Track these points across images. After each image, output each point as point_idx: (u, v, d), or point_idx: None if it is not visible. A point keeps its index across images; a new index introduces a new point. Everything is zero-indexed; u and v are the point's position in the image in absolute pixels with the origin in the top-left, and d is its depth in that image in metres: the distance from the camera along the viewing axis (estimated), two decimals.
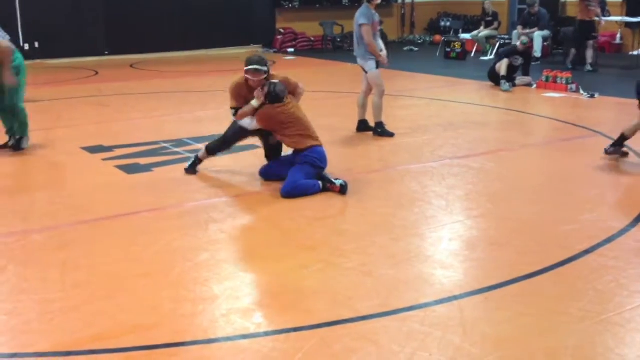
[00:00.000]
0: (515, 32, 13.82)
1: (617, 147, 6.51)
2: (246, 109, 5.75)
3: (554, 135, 7.95)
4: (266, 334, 3.35)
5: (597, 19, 12.46)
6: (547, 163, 6.69)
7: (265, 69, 5.67)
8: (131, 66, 14.44)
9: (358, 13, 7.40)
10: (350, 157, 6.89)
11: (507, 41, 14.32)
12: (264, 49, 16.94)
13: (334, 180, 5.58)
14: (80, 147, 7.23)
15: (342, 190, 5.50)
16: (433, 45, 17.29)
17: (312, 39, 17.43)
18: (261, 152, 6.45)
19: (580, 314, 3.49)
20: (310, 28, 17.36)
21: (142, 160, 6.66)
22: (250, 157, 6.65)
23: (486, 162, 6.53)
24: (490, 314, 3.53)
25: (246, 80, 5.74)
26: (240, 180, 6.05)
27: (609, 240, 4.50)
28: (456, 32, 17.25)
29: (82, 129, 8.18)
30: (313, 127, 5.81)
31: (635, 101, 6.42)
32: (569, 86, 10.35)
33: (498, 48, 14.16)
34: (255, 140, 6.79)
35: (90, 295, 3.78)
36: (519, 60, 10.80)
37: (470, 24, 17.44)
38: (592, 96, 9.90)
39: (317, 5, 17.65)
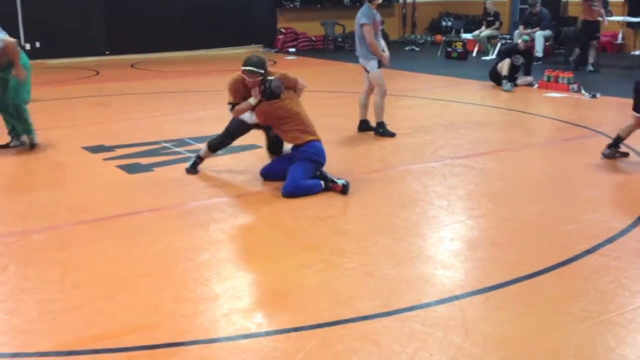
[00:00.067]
0: (516, 32, 13.81)
1: (614, 149, 6.50)
2: (243, 105, 5.78)
3: (556, 135, 7.94)
4: (267, 333, 3.35)
5: (600, 19, 12.44)
6: (548, 163, 6.69)
7: (261, 71, 5.62)
8: (132, 66, 14.45)
9: (359, 13, 7.40)
10: (351, 157, 6.88)
11: (508, 41, 14.32)
12: (265, 48, 16.95)
13: (336, 180, 5.58)
14: (81, 146, 7.23)
15: (344, 189, 5.50)
16: (434, 45, 17.29)
17: (313, 38, 17.43)
18: (262, 152, 6.46)
19: (581, 314, 3.49)
20: (312, 28, 17.36)
21: (143, 160, 6.67)
22: (251, 157, 6.65)
23: (487, 162, 6.53)
24: (491, 314, 3.53)
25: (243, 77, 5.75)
26: (241, 180, 6.05)
27: (610, 240, 4.50)
28: (457, 32, 17.25)
29: (83, 129, 8.18)
30: (311, 123, 5.79)
31: (632, 101, 6.42)
32: (571, 86, 10.34)
33: (499, 48, 14.15)
34: (255, 140, 6.80)
35: (91, 295, 3.78)
36: (520, 60, 10.79)
37: (472, 24, 17.44)
38: (594, 96, 9.89)
39: (318, 5, 17.65)
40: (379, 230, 4.75)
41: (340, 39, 17.18)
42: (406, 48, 17.09)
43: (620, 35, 15.27)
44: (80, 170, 6.44)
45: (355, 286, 3.85)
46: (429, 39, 18.45)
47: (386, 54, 7.52)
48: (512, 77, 10.74)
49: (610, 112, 9.14)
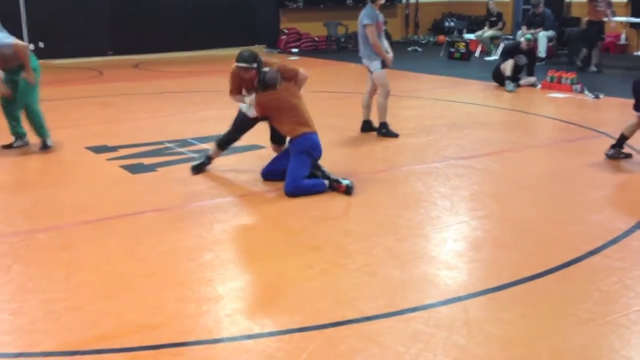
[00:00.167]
0: (519, 32, 13.81)
1: (617, 149, 6.49)
2: (238, 98, 5.95)
3: (559, 135, 7.93)
4: (270, 334, 3.35)
5: (606, 19, 12.43)
6: (551, 164, 6.68)
7: (253, 65, 5.68)
8: (135, 66, 14.46)
9: (362, 14, 7.39)
10: (354, 157, 6.88)
11: (511, 41, 14.30)
12: (268, 49, 16.95)
13: (340, 180, 5.57)
14: (84, 146, 7.24)
15: (348, 190, 5.50)
16: (437, 46, 17.27)
17: (316, 39, 17.43)
18: (264, 152, 6.47)
19: (585, 315, 3.49)
20: (314, 28, 17.36)
21: (146, 160, 6.67)
22: (254, 158, 6.65)
23: (491, 163, 6.52)
24: (495, 315, 3.53)
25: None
26: (244, 180, 6.05)
27: (614, 241, 4.49)
28: (460, 33, 17.24)
29: (87, 129, 8.19)
30: (309, 115, 5.78)
31: (633, 101, 6.41)
32: (574, 87, 10.33)
33: (502, 47, 14.14)
34: (258, 141, 6.81)
35: (95, 294, 3.78)
36: (523, 60, 10.78)
37: (475, 24, 17.43)
38: (597, 97, 9.88)
39: (321, 6, 17.65)
40: (382, 230, 4.75)
41: (343, 40, 17.18)
42: (409, 49, 17.08)
43: (623, 36, 15.26)
44: (84, 171, 6.44)
45: (359, 287, 3.85)
46: (431, 39, 18.44)
47: (389, 54, 7.52)
48: (515, 78, 10.73)
49: (613, 112, 9.13)
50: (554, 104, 9.69)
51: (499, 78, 10.93)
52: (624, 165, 6.40)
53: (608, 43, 14.65)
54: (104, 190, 5.78)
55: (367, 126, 7.83)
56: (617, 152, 6.49)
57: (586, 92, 10.11)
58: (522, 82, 10.85)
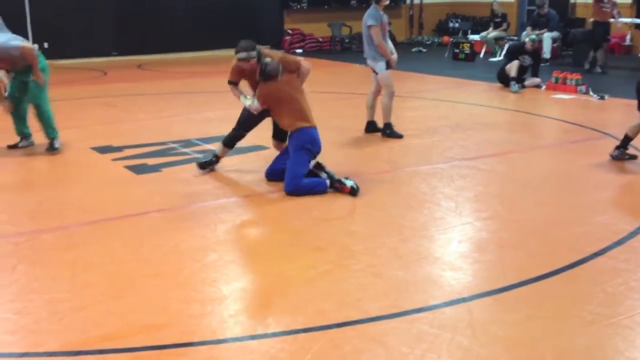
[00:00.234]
0: (524, 33, 13.79)
1: (622, 150, 6.48)
2: (236, 92, 6.00)
3: (564, 136, 7.91)
4: (274, 334, 3.34)
5: (612, 20, 12.39)
6: (556, 165, 6.66)
7: (253, 54, 5.70)
8: (139, 67, 14.48)
9: (366, 14, 7.39)
10: (358, 158, 6.88)
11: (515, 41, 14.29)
12: (272, 50, 16.95)
13: (344, 181, 5.56)
14: (89, 147, 7.25)
15: (352, 192, 5.49)
16: (441, 47, 17.26)
17: (320, 39, 17.44)
18: (268, 153, 6.47)
19: (590, 316, 3.48)
20: (319, 29, 17.37)
21: (151, 161, 6.68)
22: (258, 158, 6.65)
23: (495, 164, 6.51)
24: (499, 316, 3.52)
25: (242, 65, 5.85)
26: (248, 180, 6.05)
27: (619, 242, 4.48)
28: (465, 33, 17.23)
29: (92, 129, 8.21)
30: (309, 110, 5.77)
31: (636, 101, 6.40)
32: (579, 88, 10.31)
33: (507, 48, 14.12)
34: (261, 141, 6.81)
35: (99, 295, 3.79)
36: (527, 60, 10.76)
37: (479, 25, 17.41)
38: (602, 98, 9.85)
39: (325, 6, 17.66)
40: (386, 231, 4.75)
41: (347, 40, 17.19)
42: (413, 49, 17.07)
43: (628, 37, 15.22)
44: (89, 171, 6.45)
45: (363, 287, 3.84)
46: (436, 40, 18.43)
47: (394, 55, 7.51)
48: (520, 79, 10.71)
49: (618, 113, 9.11)
50: (559, 105, 9.67)
51: (503, 79, 10.91)
52: (628, 167, 6.38)
53: (613, 44, 14.62)
54: (108, 191, 5.79)
55: (371, 127, 7.83)
56: (622, 153, 6.48)
57: (591, 93, 10.09)
58: (526, 83, 10.82)
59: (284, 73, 5.70)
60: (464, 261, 4.25)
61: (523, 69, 10.79)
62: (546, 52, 13.42)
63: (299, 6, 17.44)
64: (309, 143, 5.60)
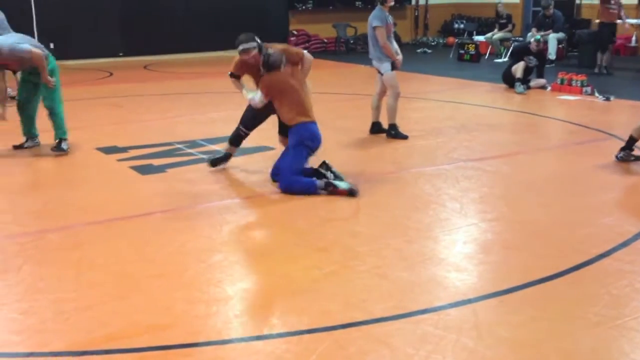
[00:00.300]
0: (529, 34, 13.77)
1: (627, 152, 6.46)
2: (237, 86, 6.05)
3: (569, 138, 7.90)
4: (279, 335, 3.35)
5: (620, 21, 12.36)
6: (561, 166, 6.65)
7: (254, 44, 5.72)
8: (145, 67, 14.51)
9: (371, 16, 7.39)
10: (363, 159, 6.88)
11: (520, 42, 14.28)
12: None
13: (338, 184, 5.52)
14: (95, 147, 7.27)
15: (351, 193, 5.47)
16: (446, 47, 17.25)
17: (326, 40, 17.45)
18: (273, 153, 6.47)
19: (595, 318, 3.47)
20: (324, 30, 17.38)
21: (156, 161, 6.69)
22: (263, 159, 6.65)
23: (500, 165, 6.50)
24: (504, 318, 3.51)
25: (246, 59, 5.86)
26: (253, 181, 6.06)
27: (624, 244, 4.47)
28: (470, 34, 17.21)
29: (97, 130, 8.22)
30: (310, 104, 5.77)
31: None
32: (584, 89, 10.29)
33: (512, 49, 14.11)
34: (267, 142, 6.81)
35: (104, 295, 3.79)
36: (533, 61, 10.74)
37: (484, 26, 17.40)
38: (608, 99, 9.83)
39: (331, 7, 17.67)
40: (391, 232, 4.75)
41: (352, 41, 17.19)
42: (418, 50, 17.07)
43: (634, 38, 15.19)
44: (94, 171, 6.47)
45: (368, 288, 3.84)
46: (441, 41, 18.42)
47: (399, 56, 7.51)
48: (525, 80, 10.69)
49: (624, 115, 9.09)
50: (564, 106, 9.66)
51: (509, 80, 10.90)
52: (634, 168, 6.37)
53: (619, 45, 14.59)
54: (114, 191, 5.80)
55: (376, 128, 7.83)
56: (627, 154, 6.46)
57: (596, 95, 10.07)
58: (532, 84, 10.81)
59: (287, 64, 5.72)
60: (469, 262, 4.24)
61: (528, 70, 10.77)
62: (551, 53, 13.40)
63: (304, 7, 17.46)
64: (308, 139, 5.62)
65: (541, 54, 10.98)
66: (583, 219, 4.99)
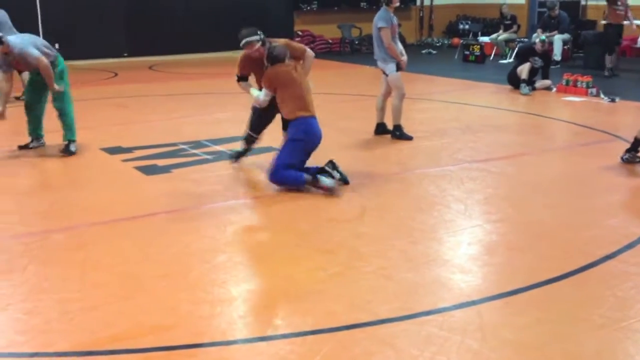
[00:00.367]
0: (535, 35, 13.73)
1: (633, 153, 6.44)
2: (244, 86, 6.12)
3: (574, 139, 7.89)
4: (284, 336, 3.35)
5: (627, 22, 12.32)
6: (566, 167, 6.64)
7: (257, 37, 5.80)
8: (150, 68, 14.53)
9: (377, 16, 7.38)
10: (368, 160, 6.87)
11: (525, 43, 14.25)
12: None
13: (321, 179, 5.53)
14: (99, 148, 7.28)
15: (331, 192, 5.50)
16: (451, 48, 17.23)
17: (330, 41, 17.44)
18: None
19: (600, 320, 3.46)
20: (328, 30, 17.37)
21: (161, 162, 6.70)
22: (269, 159, 6.64)
23: (505, 166, 6.49)
24: (509, 319, 3.51)
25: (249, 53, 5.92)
26: (257, 181, 6.06)
27: (630, 246, 4.45)
28: (475, 35, 17.18)
29: (102, 130, 8.24)
30: (310, 99, 5.77)
31: None
32: (589, 90, 10.26)
33: (516, 50, 14.08)
34: (272, 142, 6.81)
35: (109, 295, 3.80)
36: (538, 62, 10.71)
37: (489, 27, 17.36)
38: (613, 100, 9.80)
39: (335, 8, 17.66)
40: (396, 233, 4.74)
41: (357, 42, 17.18)
42: (423, 51, 17.05)
43: (639, 40, 15.13)
44: (99, 172, 6.48)
45: (373, 289, 3.84)
46: (446, 42, 18.39)
47: (404, 57, 7.50)
48: (530, 81, 10.67)
49: (629, 116, 9.06)
50: (570, 108, 9.63)
51: (514, 81, 10.87)
52: (639, 170, 6.35)
53: (624, 47, 14.54)
54: (118, 192, 5.81)
55: (381, 129, 7.82)
56: (633, 156, 6.44)
57: (602, 96, 10.05)
58: (537, 85, 10.78)
59: (290, 58, 5.75)
60: (474, 264, 4.24)
61: (533, 71, 10.75)
62: (557, 55, 13.36)
63: (309, 8, 17.46)
64: (304, 133, 5.63)
65: (546, 55, 10.95)
66: (588, 221, 4.98)
